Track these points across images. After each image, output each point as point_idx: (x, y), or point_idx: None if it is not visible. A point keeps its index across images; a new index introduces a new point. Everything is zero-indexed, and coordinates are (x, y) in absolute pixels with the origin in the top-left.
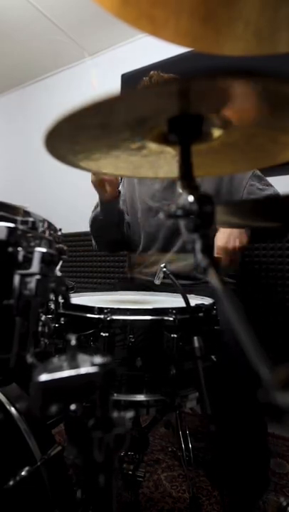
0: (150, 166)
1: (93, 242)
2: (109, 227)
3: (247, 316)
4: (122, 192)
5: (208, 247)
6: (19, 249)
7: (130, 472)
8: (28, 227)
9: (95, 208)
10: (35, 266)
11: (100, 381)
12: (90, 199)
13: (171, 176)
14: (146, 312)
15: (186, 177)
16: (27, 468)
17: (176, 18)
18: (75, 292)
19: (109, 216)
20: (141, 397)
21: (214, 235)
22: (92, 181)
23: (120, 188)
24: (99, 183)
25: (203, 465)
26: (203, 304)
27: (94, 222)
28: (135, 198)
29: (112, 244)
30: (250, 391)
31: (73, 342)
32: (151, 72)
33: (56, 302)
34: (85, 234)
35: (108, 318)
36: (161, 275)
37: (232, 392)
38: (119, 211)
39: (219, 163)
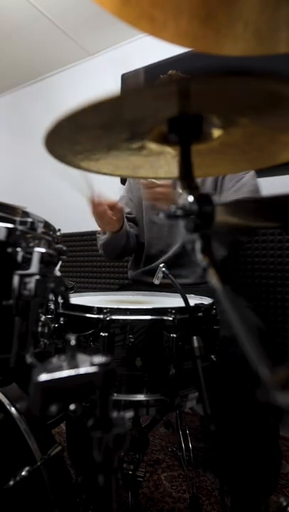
0: (150, 166)
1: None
2: (119, 249)
3: (253, 313)
4: (128, 191)
5: (208, 247)
6: (18, 249)
7: (130, 472)
8: (27, 228)
9: (102, 233)
10: (35, 266)
11: (100, 381)
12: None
13: (171, 176)
14: (145, 312)
15: (186, 177)
16: (27, 468)
17: (176, 18)
18: (74, 292)
19: (119, 243)
20: (141, 397)
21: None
22: (92, 213)
23: (126, 187)
24: (99, 214)
25: (206, 464)
26: (202, 303)
27: (104, 248)
28: (140, 197)
29: (122, 256)
30: (251, 391)
31: (73, 342)
32: (170, 71)
33: (56, 302)
34: (84, 234)
35: (108, 318)
36: (161, 275)
37: (233, 391)
38: (127, 234)
39: (219, 163)
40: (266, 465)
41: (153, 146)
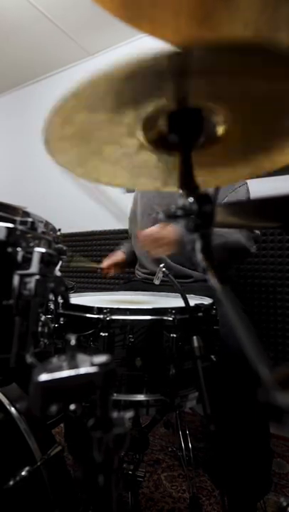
0: (148, 175)
1: None
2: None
3: (247, 316)
4: (133, 199)
5: (208, 247)
6: (18, 249)
7: (130, 472)
8: (27, 228)
9: None
10: (35, 266)
11: (100, 381)
12: (89, 199)
13: (169, 185)
14: (145, 312)
15: (186, 177)
16: (27, 468)
17: (176, 18)
18: (74, 292)
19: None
20: (141, 397)
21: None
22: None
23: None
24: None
25: (205, 464)
26: (202, 303)
27: None
28: (137, 206)
29: None
30: (251, 391)
31: (73, 342)
32: None
33: (56, 302)
34: (85, 234)
35: (108, 318)
36: (161, 275)
37: (232, 392)
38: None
39: (219, 167)
40: (259, 464)
41: (151, 155)
